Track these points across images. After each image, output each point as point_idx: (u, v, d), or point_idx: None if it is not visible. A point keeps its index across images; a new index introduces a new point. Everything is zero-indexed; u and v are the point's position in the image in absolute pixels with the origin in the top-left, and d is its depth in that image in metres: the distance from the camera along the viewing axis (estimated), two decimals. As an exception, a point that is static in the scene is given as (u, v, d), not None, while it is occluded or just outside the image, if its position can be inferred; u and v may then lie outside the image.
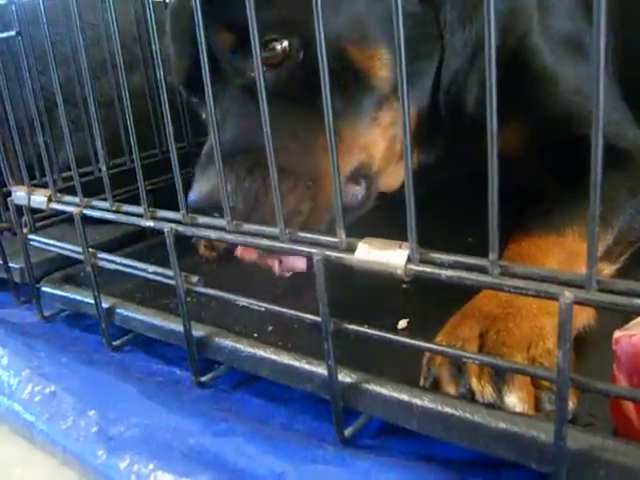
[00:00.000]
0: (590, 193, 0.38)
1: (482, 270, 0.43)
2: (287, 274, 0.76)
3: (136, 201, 0.68)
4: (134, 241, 1.04)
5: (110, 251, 0.80)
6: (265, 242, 0.53)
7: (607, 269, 0.72)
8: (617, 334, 0.47)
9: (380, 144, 0.74)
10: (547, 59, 0.85)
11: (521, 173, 0.87)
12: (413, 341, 0.49)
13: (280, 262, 0.74)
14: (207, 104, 0.54)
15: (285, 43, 0.68)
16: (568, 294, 0.40)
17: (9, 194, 0.89)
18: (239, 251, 0.76)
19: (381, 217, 0.74)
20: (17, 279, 0.95)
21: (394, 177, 0.79)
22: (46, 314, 0.89)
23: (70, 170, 0.76)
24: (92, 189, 0.89)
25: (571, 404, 0.48)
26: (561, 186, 0.78)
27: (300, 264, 0.74)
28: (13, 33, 0.75)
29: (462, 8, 0.78)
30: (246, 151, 0.65)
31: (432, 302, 0.67)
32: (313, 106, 0.63)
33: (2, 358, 0.73)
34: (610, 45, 0.98)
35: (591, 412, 0.51)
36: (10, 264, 0.95)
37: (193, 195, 0.65)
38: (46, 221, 0.93)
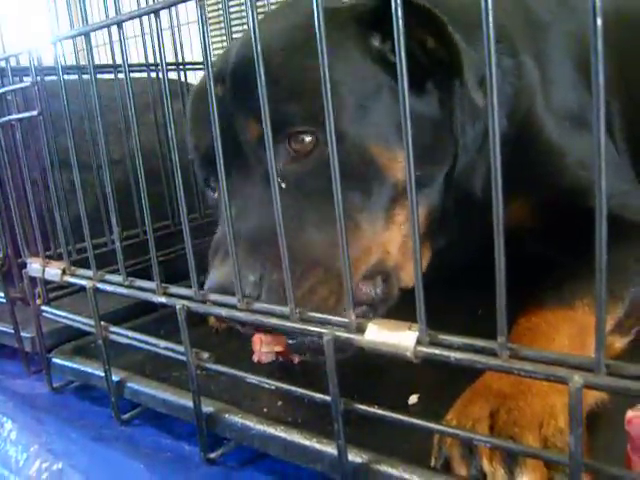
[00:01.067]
0: (596, 278, 0.39)
1: (491, 353, 0.43)
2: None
3: (148, 271, 0.69)
4: (146, 310, 1.04)
5: (122, 320, 0.80)
6: (275, 321, 0.54)
7: (618, 342, 0.72)
8: (630, 414, 0.47)
9: (395, 239, 0.75)
10: (552, 133, 0.88)
11: (529, 243, 0.88)
12: (424, 422, 0.49)
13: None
14: (221, 191, 0.55)
15: (313, 136, 0.70)
16: (577, 378, 0.40)
17: (24, 265, 0.91)
18: (256, 356, 0.77)
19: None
20: (28, 349, 0.95)
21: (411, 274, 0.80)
22: (56, 385, 0.89)
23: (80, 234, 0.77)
24: (105, 257, 0.91)
25: (585, 486, 0.47)
26: (570, 257, 0.78)
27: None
28: (35, 113, 0.78)
29: (471, 109, 0.80)
30: (269, 242, 0.64)
31: (442, 375, 0.67)
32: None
33: (11, 433, 0.73)
34: (615, 113, 1.00)
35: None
36: (21, 333, 0.96)
37: (210, 283, 0.65)
38: (59, 292, 0.94)
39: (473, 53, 0.71)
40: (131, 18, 0.65)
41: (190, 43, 1.34)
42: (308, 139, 0.70)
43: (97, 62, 0.83)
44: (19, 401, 0.83)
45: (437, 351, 0.45)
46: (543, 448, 0.50)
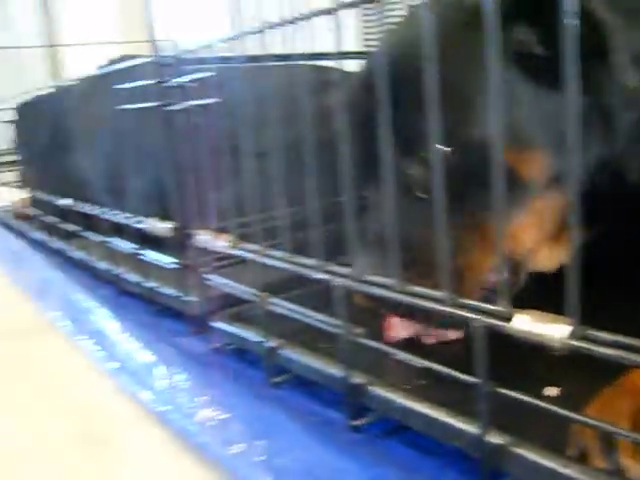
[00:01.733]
0: None
1: (641, 351, 0.45)
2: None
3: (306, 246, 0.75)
4: (301, 284, 1.10)
5: (278, 291, 0.88)
6: (429, 304, 0.58)
7: None
8: None
9: (526, 233, 0.75)
10: None
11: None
12: (568, 412, 0.51)
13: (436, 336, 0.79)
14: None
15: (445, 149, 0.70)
16: None
17: (192, 235, 1.01)
18: (389, 332, 0.81)
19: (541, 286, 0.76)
20: (193, 312, 1.06)
21: (550, 259, 0.79)
22: (215, 346, 0.99)
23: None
24: (268, 232, 0.98)
25: None
26: None
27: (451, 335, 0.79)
28: (215, 100, 0.87)
29: (620, 94, 0.76)
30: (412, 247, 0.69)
31: (583, 369, 0.68)
32: (466, 205, 0.69)
33: (186, 382, 0.84)
34: None
35: None
36: (188, 297, 1.07)
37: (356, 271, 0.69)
38: (223, 262, 1.04)
39: (624, 29, 0.66)
40: (306, 18, 0.71)
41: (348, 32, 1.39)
42: (440, 151, 0.72)
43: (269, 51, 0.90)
44: (187, 356, 0.94)
45: (586, 345, 0.47)
46: (688, 451, 0.51)
